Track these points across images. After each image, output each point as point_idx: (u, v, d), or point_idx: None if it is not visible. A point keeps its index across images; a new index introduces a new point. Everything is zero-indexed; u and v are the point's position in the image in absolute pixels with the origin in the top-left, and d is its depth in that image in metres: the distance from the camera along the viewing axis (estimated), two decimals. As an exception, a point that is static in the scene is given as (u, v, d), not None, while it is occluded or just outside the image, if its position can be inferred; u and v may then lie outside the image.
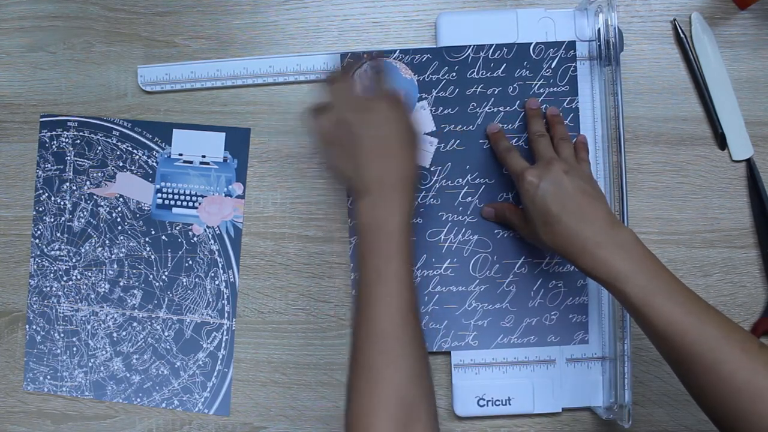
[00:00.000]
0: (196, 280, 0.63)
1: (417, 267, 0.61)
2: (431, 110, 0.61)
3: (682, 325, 0.44)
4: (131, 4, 0.64)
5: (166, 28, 0.64)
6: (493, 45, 0.60)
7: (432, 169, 0.61)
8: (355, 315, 0.47)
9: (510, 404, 0.60)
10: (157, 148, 0.63)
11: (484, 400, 0.60)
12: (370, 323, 0.45)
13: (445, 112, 0.61)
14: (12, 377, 0.64)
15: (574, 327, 0.60)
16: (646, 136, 0.61)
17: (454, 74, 0.60)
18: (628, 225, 0.60)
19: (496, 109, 0.60)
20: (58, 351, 0.64)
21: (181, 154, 0.63)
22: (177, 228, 0.63)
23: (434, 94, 0.60)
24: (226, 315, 0.63)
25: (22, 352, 0.64)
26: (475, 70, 0.60)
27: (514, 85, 0.60)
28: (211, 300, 0.63)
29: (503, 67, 0.60)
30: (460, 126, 0.60)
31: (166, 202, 0.63)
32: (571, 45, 0.60)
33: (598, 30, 0.59)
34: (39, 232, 0.64)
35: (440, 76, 0.60)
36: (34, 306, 0.64)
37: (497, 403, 0.60)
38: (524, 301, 0.60)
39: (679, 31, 0.61)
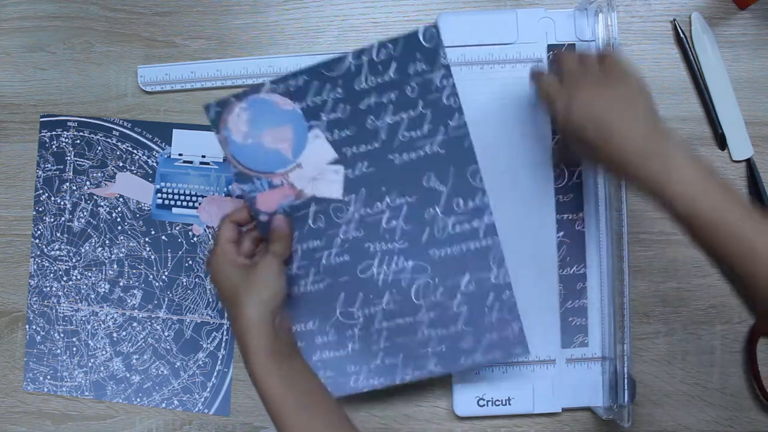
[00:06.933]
0: (196, 280, 0.63)
1: (355, 306, 0.55)
2: (326, 137, 0.52)
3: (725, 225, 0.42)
4: (131, 4, 0.64)
5: (166, 28, 0.64)
6: (375, 45, 0.51)
7: (346, 199, 0.53)
8: None
9: (510, 404, 0.60)
10: (157, 148, 0.63)
11: (484, 400, 0.60)
12: None
13: (343, 134, 0.52)
14: (12, 377, 0.64)
15: (573, 330, 0.60)
16: (646, 136, 0.61)
17: (340, 90, 0.51)
18: (627, 224, 0.60)
19: (399, 117, 0.52)
20: (58, 351, 0.64)
21: (181, 154, 0.63)
22: (177, 228, 0.63)
23: (324, 118, 0.52)
24: (226, 315, 0.62)
25: (22, 352, 0.64)
26: (362, 78, 0.51)
27: (412, 84, 0.51)
28: (211, 300, 0.63)
29: (394, 67, 0.51)
30: (364, 146, 0.52)
31: (166, 202, 0.63)
32: (572, 46, 0.60)
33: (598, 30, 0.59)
34: (39, 232, 0.64)
35: (324, 96, 0.51)
36: (34, 306, 0.64)
37: (497, 403, 0.60)
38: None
39: (679, 31, 0.61)
